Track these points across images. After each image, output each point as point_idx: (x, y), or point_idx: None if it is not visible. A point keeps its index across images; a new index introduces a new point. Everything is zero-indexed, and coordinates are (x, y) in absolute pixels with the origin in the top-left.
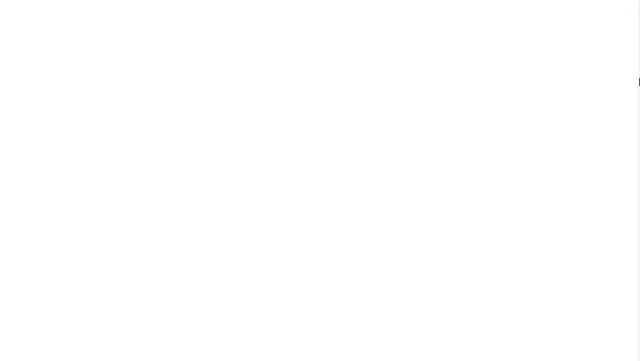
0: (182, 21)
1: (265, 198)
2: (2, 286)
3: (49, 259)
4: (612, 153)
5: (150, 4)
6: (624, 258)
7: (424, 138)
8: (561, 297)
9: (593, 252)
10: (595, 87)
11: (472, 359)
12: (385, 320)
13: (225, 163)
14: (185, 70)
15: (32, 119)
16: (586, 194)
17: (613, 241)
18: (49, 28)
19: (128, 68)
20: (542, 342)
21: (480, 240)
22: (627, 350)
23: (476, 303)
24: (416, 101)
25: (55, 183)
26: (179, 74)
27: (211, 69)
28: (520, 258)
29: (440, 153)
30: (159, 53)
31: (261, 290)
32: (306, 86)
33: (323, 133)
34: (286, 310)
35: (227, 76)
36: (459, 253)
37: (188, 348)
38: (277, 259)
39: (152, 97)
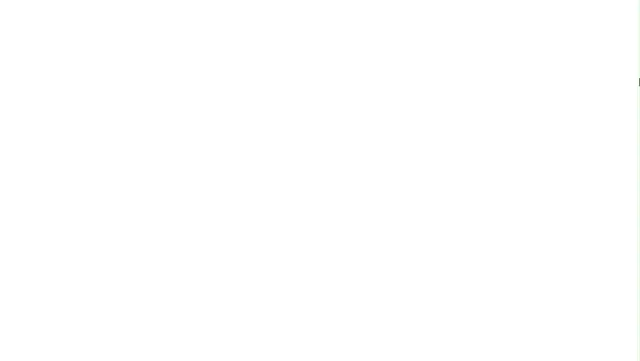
0: (182, 21)
1: (265, 198)
2: (2, 286)
3: (50, 259)
4: (612, 153)
5: (150, 4)
6: (624, 258)
7: (424, 138)
8: (561, 297)
9: (593, 252)
10: (595, 87)
11: (472, 359)
12: (385, 320)
13: (225, 163)
14: (186, 70)
15: (32, 119)
16: (586, 194)
17: (613, 241)
18: (49, 28)
19: (128, 68)
20: (542, 342)
21: (480, 240)
22: (627, 350)
23: (476, 303)
24: (416, 101)
25: (56, 183)
26: (179, 74)
27: (211, 69)
28: (520, 258)
29: (440, 153)
30: (159, 53)
31: (261, 290)
32: (307, 86)
33: (323, 133)
34: (286, 311)
35: (227, 76)
36: (459, 253)
37: (188, 348)
38: (277, 259)
39: (152, 97)
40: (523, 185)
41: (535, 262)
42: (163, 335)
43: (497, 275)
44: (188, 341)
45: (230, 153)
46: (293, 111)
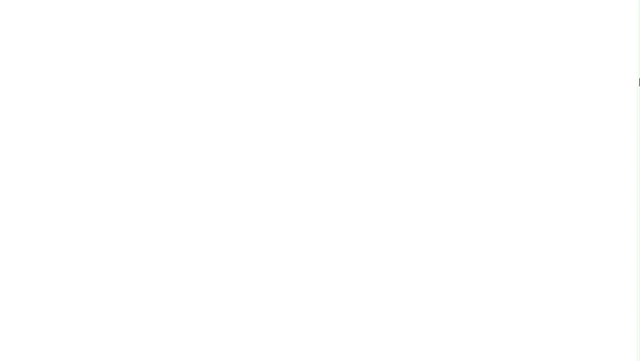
0: (182, 21)
1: (265, 198)
2: (2, 286)
3: (49, 259)
4: (612, 153)
5: (150, 4)
6: (624, 258)
7: (423, 138)
8: (561, 297)
9: (593, 252)
10: (595, 87)
11: (472, 359)
12: (385, 320)
13: (225, 163)
14: (186, 70)
15: (32, 119)
16: (586, 194)
17: (613, 241)
18: (49, 28)
19: (128, 68)
20: (542, 342)
21: (480, 240)
22: (627, 350)
23: (476, 303)
24: (416, 102)
25: (56, 183)
26: (179, 74)
27: (211, 69)
28: (520, 258)
29: (440, 153)
30: (159, 53)
31: (261, 290)
32: (307, 86)
33: (323, 133)
34: (286, 311)
35: (227, 76)
36: (459, 253)
37: (188, 348)
38: (277, 259)
39: (152, 97)
40: (524, 185)
41: (535, 262)
42: (163, 335)
43: (497, 275)
44: (188, 341)
45: (230, 153)
46: (293, 111)
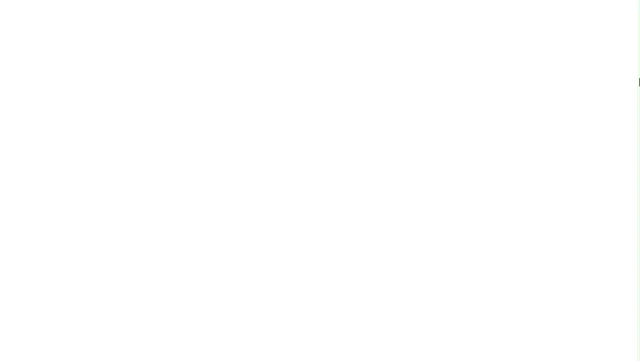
0: (182, 21)
1: (265, 199)
2: (2, 286)
3: (50, 259)
4: (612, 153)
5: (150, 4)
6: (624, 258)
7: (423, 138)
8: (561, 297)
9: (593, 252)
10: (595, 87)
11: (472, 359)
12: (385, 320)
13: (225, 163)
14: (186, 70)
15: (32, 120)
16: (586, 194)
17: (613, 241)
18: (49, 28)
19: (128, 68)
20: (542, 342)
21: (480, 240)
22: (627, 350)
23: (476, 303)
24: (416, 102)
25: (56, 183)
26: (179, 74)
27: (211, 69)
28: (520, 258)
29: (440, 153)
30: (159, 53)
31: (261, 290)
32: (307, 86)
33: (323, 133)
34: (286, 311)
35: (227, 76)
36: (459, 253)
37: (188, 348)
38: (277, 259)
39: (152, 97)
40: (524, 185)
41: (535, 262)
42: (163, 335)
43: (497, 275)
44: (189, 341)
45: (230, 153)
46: (293, 111)
